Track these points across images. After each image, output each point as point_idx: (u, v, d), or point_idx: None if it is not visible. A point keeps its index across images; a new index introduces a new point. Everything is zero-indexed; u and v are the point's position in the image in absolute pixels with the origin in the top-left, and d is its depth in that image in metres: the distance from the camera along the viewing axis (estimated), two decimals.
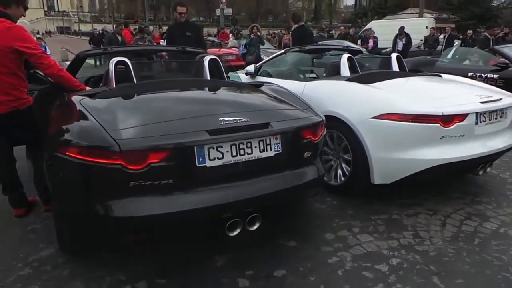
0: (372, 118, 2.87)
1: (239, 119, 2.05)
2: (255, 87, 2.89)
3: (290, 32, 7.98)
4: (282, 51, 4.66)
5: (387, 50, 11.61)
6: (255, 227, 2.14)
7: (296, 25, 6.76)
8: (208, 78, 3.01)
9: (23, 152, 3.03)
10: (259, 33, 10.24)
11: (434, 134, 2.76)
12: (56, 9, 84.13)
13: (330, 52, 5.25)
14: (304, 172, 2.30)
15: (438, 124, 2.73)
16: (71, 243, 2.30)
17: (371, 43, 13.44)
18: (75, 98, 2.25)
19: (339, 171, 3.18)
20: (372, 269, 2.22)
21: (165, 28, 24.98)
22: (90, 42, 15.82)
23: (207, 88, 2.79)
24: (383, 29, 15.53)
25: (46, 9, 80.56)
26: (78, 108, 2.11)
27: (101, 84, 2.88)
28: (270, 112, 2.30)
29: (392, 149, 2.84)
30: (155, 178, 1.84)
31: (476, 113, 2.86)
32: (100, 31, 18.30)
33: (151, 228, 2.00)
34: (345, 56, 3.70)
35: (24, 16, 2.75)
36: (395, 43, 12.05)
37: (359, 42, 14.13)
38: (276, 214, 2.80)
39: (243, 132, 2.01)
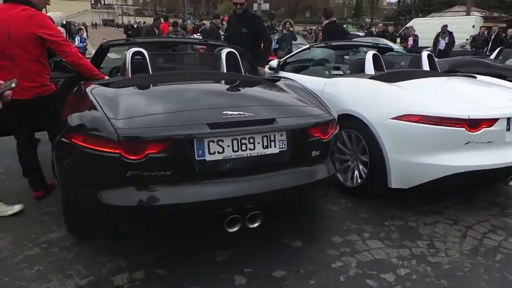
0: (391, 118, 2.72)
1: (243, 114, 2.00)
2: (270, 81, 2.82)
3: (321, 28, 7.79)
4: (306, 46, 4.56)
5: (428, 49, 11.06)
6: (255, 225, 2.08)
7: (327, 21, 6.59)
8: (225, 71, 2.98)
9: (46, 137, 3.14)
10: (291, 29, 10.09)
11: (458, 139, 2.57)
12: (102, 2, 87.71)
13: (363, 48, 5.06)
14: (311, 171, 2.22)
15: (464, 129, 2.55)
16: (76, 227, 2.36)
17: (410, 41, 12.83)
18: (88, 87, 2.29)
19: (356, 173, 3.05)
20: (377, 278, 2.10)
21: (204, 22, 25.32)
22: (126, 34, 16.28)
23: (219, 81, 2.75)
24: (426, 27, 14.78)
25: (92, 2, 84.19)
26: (88, 97, 2.14)
27: (118, 74, 2.93)
28: (278, 108, 2.23)
29: (411, 153, 2.67)
30: (153, 169, 1.83)
31: (508, 118, 2.64)
32: (135, 24, 18.80)
33: (148, 219, 1.99)
34: (371, 53, 3.55)
35: (49, 4, 2.83)
36: (436, 42, 11.47)
37: (398, 40, 13.55)
38: (282, 213, 2.73)
39: (245, 127, 1.96)
